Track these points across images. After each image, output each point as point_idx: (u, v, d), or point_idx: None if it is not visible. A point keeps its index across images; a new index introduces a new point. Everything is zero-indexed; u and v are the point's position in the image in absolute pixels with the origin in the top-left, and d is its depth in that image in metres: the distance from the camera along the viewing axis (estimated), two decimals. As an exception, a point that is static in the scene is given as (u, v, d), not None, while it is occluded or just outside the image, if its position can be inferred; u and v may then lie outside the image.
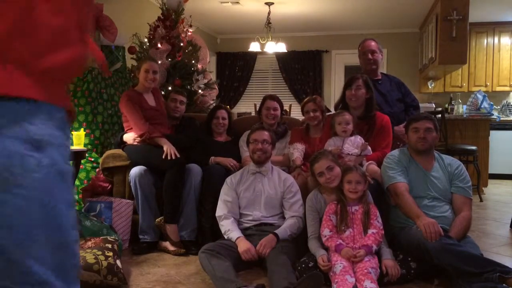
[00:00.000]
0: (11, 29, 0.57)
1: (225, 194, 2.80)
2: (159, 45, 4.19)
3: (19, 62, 0.58)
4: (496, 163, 6.32)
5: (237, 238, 2.57)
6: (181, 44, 4.33)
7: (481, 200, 4.98)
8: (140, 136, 3.22)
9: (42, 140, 0.63)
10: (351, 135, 2.92)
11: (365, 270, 2.20)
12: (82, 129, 3.55)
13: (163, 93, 3.85)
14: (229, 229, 2.64)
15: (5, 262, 0.66)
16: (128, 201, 3.20)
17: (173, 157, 3.03)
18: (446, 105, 7.07)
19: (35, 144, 0.62)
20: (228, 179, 2.86)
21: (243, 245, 2.52)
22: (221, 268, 2.28)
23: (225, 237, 2.65)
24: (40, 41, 0.60)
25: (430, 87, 7.32)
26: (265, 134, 2.83)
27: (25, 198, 0.64)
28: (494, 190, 5.80)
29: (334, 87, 8.03)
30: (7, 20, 0.56)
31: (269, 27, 6.24)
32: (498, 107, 7.18)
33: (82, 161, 3.45)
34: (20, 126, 0.59)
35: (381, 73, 3.59)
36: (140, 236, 3.08)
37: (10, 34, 0.56)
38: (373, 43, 3.48)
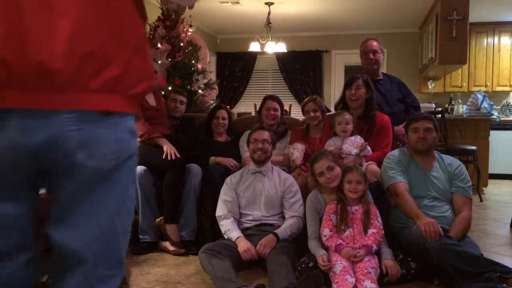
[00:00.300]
0: (121, 71, 0.94)
1: (224, 194, 2.80)
2: (159, 45, 4.19)
3: (121, 92, 0.96)
4: (496, 163, 6.31)
5: (237, 238, 2.57)
6: (181, 44, 4.33)
7: (481, 200, 4.98)
8: (140, 136, 3.22)
9: (134, 130, 1.02)
10: (351, 135, 2.92)
11: (365, 270, 2.20)
12: (82, 129, 3.55)
13: (163, 93, 3.85)
14: (229, 229, 2.64)
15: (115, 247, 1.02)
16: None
17: (173, 157, 3.04)
18: (446, 105, 7.07)
19: (133, 133, 1.01)
20: (228, 179, 2.87)
21: (243, 245, 2.52)
22: (221, 268, 2.28)
23: (225, 237, 2.65)
24: (134, 79, 0.98)
25: (430, 87, 7.31)
26: (265, 134, 2.84)
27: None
28: (494, 190, 5.80)
29: (334, 87, 8.02)
30: (120, 66, 0.94)
31: (269, 27, 6.24)
32: (498, 107, 7.18)
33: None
34: (123, 124, 0.98)
35: (382, 73, 3.59)
36: (140, 236, 3.08)
37: (120, 75, 0.94)
38: (374, 43, 3.47)
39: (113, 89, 0.94)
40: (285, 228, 2.63)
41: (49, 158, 0.91)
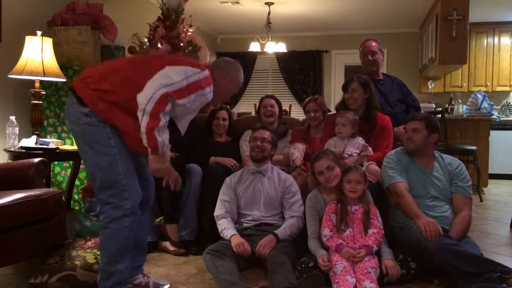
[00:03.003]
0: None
1: (223, 194, 2.80)
2: (159, 45, 4.19)
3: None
4: (496, 163, 6.32)
5: (232, 236, 2.58)
6: (181, 44, 4.32)
7: (481, 200, 4.98)
8: None
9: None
10: (352, 136, 2.92)
11: (365, 270, 2.20)
12: (82, 129, 3.55)
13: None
14: (224, 227, 2.65)
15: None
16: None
17: (173, 157, 3.03)
18: (446, 105, 7.07)
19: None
20: (227, 179, 2.86)
21: (236, 239, 2.54)
22: (225, 270, 2.28)
23: (221, 235, 2.65)
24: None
25: (430, 87, 7.31)
26: (266, 133, 2.84)
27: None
28: (494, 190, 5.80)
29: (334, 87, 8.03)
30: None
31: (269, 27, 6.24)
32: (498, 107, 7.18)
33: (82, 161, 3.45)
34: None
35: (383, 73, 3.59)
36: (140, 236, 3.08)
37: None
38: (373, 44, 3.47)
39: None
40: (285, 228, 2.63)
41: None
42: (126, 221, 1.92)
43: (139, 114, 1.81)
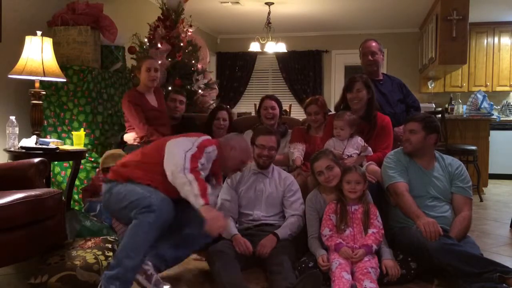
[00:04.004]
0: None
1: (224, 194, 2.79)
2: (159, 45, 4.19)
3: None
4: (496, 163, 6.32)
5: (233, 236, 2.58)
6: (181, 44, 4.33)
7: (481, 200, 4.98)
8: (140, 138, 3.26)
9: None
10: (351, 136, 2.93)
11: (365, 270, 2.20)
12: (82, 129, 3.56)
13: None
14: (228, 232, 2.63)
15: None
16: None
17: None
18: (446, 105, 7.07)
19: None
20: (228, 179, 2.86)
21: (238, 238, 2.55)
22: (228, 271, 2.26)
23: (222, 235, 2.64)
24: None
25: (430, 87, 7.32)
26: (273, 140, 2.79)
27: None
28: (494, 190, 5.80)
29: (334, 87, 8.03)
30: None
31: (269, 27, 6.24)
32: (498, 107, 7.18)
33: (82, 161, 3.45)
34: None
35: (382, 73, 3.58)
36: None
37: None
38: (373, 44, 3.46)
39: None
40: (285, 227, 2.63)
41: None
42: (151, 217, 2.00)
43: (180, 176, 2.03)
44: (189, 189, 2.01)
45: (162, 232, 2.09)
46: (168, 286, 2.25)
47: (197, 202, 2.00)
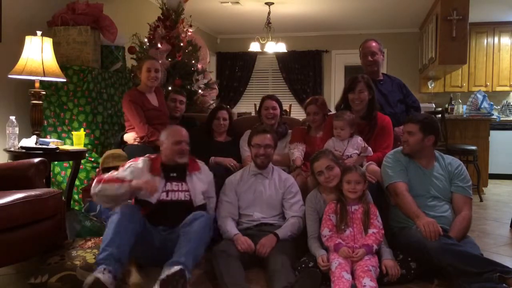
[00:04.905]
0: None
1: (224, 195, 2.79)
2: (159, 45, 4.19)
3: None
4: (496, 163, 6.32)
5: (235, 235, 2.58)
6: (181, 44, 4.33)
7: (481, 200, 4.98)
8: (140, 138, 3.26)
9: None
10: (351, 136, 2.92)
11: (365, 268, 2.20)
12: (82, 129, 3.56)
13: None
14: (227, 227, 2.65)
15: None
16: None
17: None
18: (446, 105, 7.07)
19: None
20: (227, 180, 2.86)
21: (240, 237, 2.55)
22: (231, 271, 2.26)
23: (224, 236, 2.65)
24: None
25: (430, 87, 7.32)
26: (268, 138, 2.79)
27: None
28: (494, 190, 5.80)
29: (334, 87, 8.03)
30: None
31: (269, 27, 6.24)
32: (498, 107, 7.18)
33: (82, 161, 3.45)
34: None
35: (383, 73, 3.58)
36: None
37: None
38: (373, 44, 3.46)
39: None
40: (286, 228, 2.63)
41: None
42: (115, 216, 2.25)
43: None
44: (109, 188, 2.34)
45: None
46: None
47: (122, 186, 2.35)
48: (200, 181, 2.63)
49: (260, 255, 2.49)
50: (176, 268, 2.04)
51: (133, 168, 2.52)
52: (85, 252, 2.41)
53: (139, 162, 2.58)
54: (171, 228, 2.44)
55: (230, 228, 2.64)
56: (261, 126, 3.01)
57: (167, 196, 2.52)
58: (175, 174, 2.58)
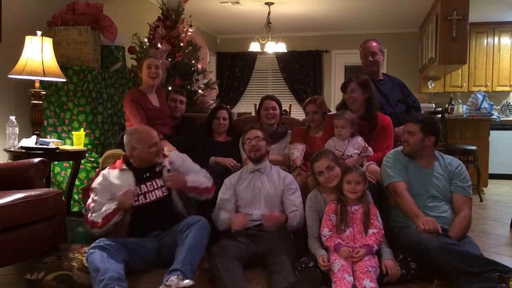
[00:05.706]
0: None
1: (222, 193, 2.79)
2: (159, 45, 4.19)
3: None
4: (496, 163, 6.32)
5: (229, 218, 2.62)
6: (181, 44, 4.33)
7: (481, 200, 4.98)
8: None
9: None
10: (351, 136, 2.92)
11: (365, 269, 2.20)
12: (82, 129, 3.56)
13: (163, 93, 3.85)
14: (220, 218, 2.66)
15: None
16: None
17: None
18: (446, 105, 7.07)
19: None
20: (226, 180, 2.86)
21: (233, 220, 2.60)
22: (230, 272, 2.26)
23: (220, 228, 2.65)
24: None
25: (430, 87, 7.32)
26: (257, 132, 2.84)
27: None
28: (494, 190, 5.81)
29: (334, 87, 8.03)
30: None
31: (269, 27, 6.24)
32: (498, 107, 7.18)
33: (82, 161, 3.45)
34: None
35: (383, 73, 3.58)
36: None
37: None
38: (374, 44, 3.46)
39: None
40: (290, 218, 2.63)
41: None
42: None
43: None
44: (111, 225, 2.38)
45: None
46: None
47: (118, 214, 2.38)
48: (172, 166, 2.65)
49: (264, 229, 2.54)
50: (176, 276, 2.10)
51: (102, 187, 2.49)
52: (82, 256, 2.40)
53: (99, 178, 2.53)
54: (162, 231, 2.45)
55: (223, 216, 2.65)
56: (251, 126, 3.02)
57: (145, 198, 2.51)
58: (147, 174, 2.55)
